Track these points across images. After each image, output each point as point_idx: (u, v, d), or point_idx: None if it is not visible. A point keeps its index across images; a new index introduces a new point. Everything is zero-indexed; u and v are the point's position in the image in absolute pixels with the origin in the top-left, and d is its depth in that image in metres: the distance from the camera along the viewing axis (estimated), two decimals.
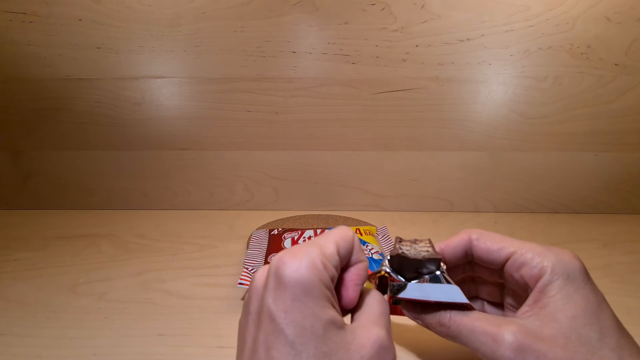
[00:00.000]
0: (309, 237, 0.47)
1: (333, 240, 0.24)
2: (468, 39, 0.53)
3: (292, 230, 0.49)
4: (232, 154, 0.60)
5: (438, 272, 0.28)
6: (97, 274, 0.46)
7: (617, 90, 0.54)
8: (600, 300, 0.24)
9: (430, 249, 0.28)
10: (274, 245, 0.46)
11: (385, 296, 0.29)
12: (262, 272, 0.24)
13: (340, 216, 0.58)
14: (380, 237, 0.50)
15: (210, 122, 0.58)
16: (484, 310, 0.32)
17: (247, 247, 0.49)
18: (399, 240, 0.30)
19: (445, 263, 0.29)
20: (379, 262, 0.42)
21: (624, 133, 0.56)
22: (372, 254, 0.44)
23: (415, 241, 0.29)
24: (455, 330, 0.26)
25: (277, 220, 0.57)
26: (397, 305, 0.31)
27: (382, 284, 0.30)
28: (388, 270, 0.29)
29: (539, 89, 0.55)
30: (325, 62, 0.54)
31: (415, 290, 0.28)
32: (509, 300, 0.30)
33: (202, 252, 0.51)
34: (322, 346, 0.20)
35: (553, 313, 0.24)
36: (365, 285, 0.28)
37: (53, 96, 0.57)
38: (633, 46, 0.52)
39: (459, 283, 0.29)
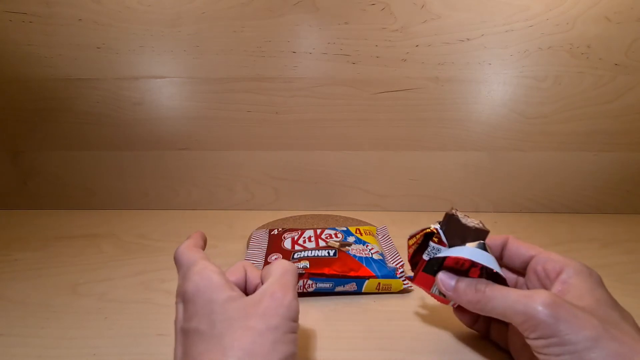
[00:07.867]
0: (309, 237, 0.46)
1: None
2: (468, 39, 0.53)
3: (292, 230, 0.49)
4: (232, 154, 0.60)
5: (483, 242, 0.30)
6: (97, 274, 0.46)
7: (617, 90, 0.54)
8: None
9: (480, 224, 0.31)
10: (274, 245, 0.46)
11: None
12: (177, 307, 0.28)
13: (340, 216, 0.58)
14: (380, 237, 0.50)
15: (211, 122, 0.58)
16: None
17: (247, 247, 0.49)
18: (454, 208, 0.32)
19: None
20: (378, 262, 0.42)
21: (624, 133, 0.56)
22: (372, 254, 0.43)
23: (467, 215, 0.32)
24: (490, 294, 0.28)
25: (277, 220, 0.57)
26: (427, 276, 0.32)
27: (422, 245, 0.32)
28: (437, 227, 0.31)
29: (538, 88, 0.55)
30: (326, 62, 0.54)
31: (457, 251, 0.30)
32: None
33: None
34: (220, 315, 0.24)
35: (579, 296, 0.26)
36: (409, 242, 0.33)
37: (53, 96, 0.57)
38: (633, 46, 0.52)
39: None
